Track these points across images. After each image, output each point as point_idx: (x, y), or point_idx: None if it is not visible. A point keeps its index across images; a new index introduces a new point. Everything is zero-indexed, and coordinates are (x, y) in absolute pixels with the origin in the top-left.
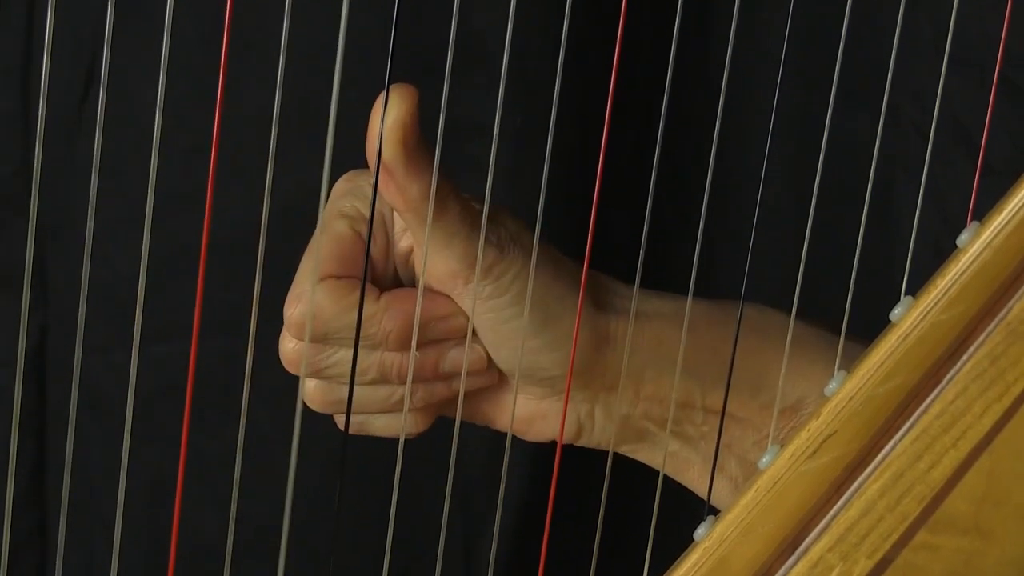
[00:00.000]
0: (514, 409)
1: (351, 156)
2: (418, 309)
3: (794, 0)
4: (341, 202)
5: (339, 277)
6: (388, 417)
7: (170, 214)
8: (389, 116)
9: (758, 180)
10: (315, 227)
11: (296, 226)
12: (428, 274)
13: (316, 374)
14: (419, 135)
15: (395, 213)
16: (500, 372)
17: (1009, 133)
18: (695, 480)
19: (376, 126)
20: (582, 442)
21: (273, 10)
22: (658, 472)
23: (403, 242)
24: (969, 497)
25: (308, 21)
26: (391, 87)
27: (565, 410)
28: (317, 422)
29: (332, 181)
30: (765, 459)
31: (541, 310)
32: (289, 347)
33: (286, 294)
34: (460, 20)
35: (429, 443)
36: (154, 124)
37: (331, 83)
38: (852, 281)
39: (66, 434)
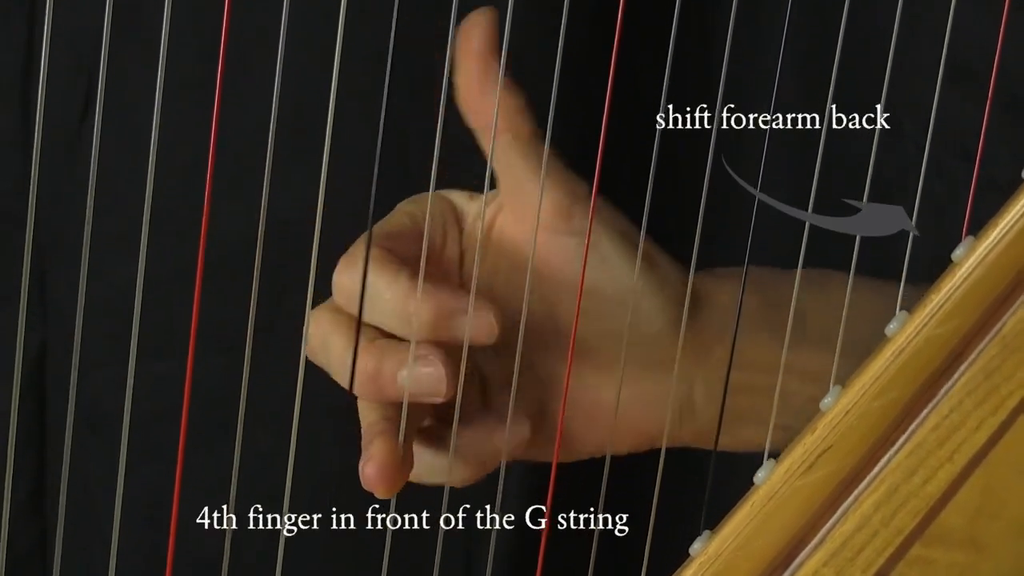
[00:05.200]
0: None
1: (352, 169)
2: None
3: (791, 12)
4: (408, 206)
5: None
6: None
7: (174, 230)
8: (474, 34)
9: (755, 195)
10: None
11: (300, 242)
12: (527, 222)
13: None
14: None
15: (464, 204)
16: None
17: (1010, 147)
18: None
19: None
20: (685, 435)
21: (271, 24)
22: (655, 484)
23: (479, 222)
24: (964, 511)
25: (307, 36)
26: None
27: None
28: (316, 438)
29: (328, 194)
30: (760, 474)
31: (635, 247)
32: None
33: (286, 312)
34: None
35: None
36: (160, 141)
37: (341, 98)
38: (847, 295)
39: (66, 450)
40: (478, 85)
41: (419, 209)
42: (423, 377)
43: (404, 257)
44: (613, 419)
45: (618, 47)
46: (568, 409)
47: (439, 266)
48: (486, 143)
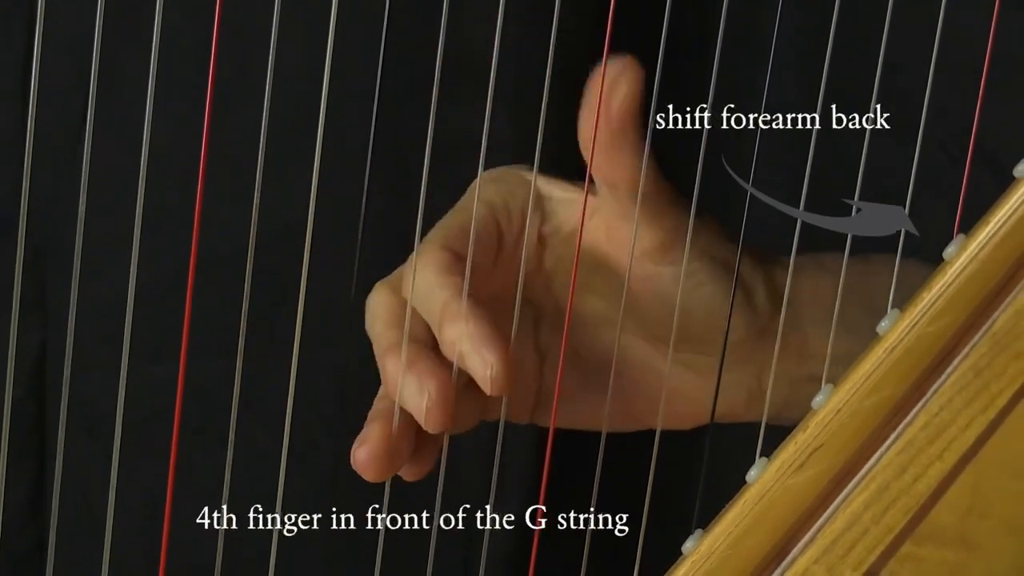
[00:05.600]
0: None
1: (349, 172)
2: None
3: (791, 11)
4: (486, 187)
5: (460, 256)
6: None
7: (175, 233)
8: (619, 92)
9: (773, 196)
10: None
11: (301, 245)
12: (624, 249)
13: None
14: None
15: (554, 193)
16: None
17: (1007, 143)
18: None
19: (594, 101)
20: (751, 415)
21: (268, 28)
22: (647, 484)
23: (571, 222)
24: (954, 509)
25: (304, 38)
26: (614, 61)
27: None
28: (313, 440)
29: (320, 200)
30: (752, 472)
31: (727, 269)
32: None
33: (287, 314)
34: (455, 37)
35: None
36: (154, 143)
37: (329, 102)
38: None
39: (66, 452)
40: (612, 148)
41: (498, 196)
42: (409, 399)
43: (474, 254)
44: (687, 403)
45: (609, 42)
46: (645, 389)
47: (515, 253)
48: (606, 194)
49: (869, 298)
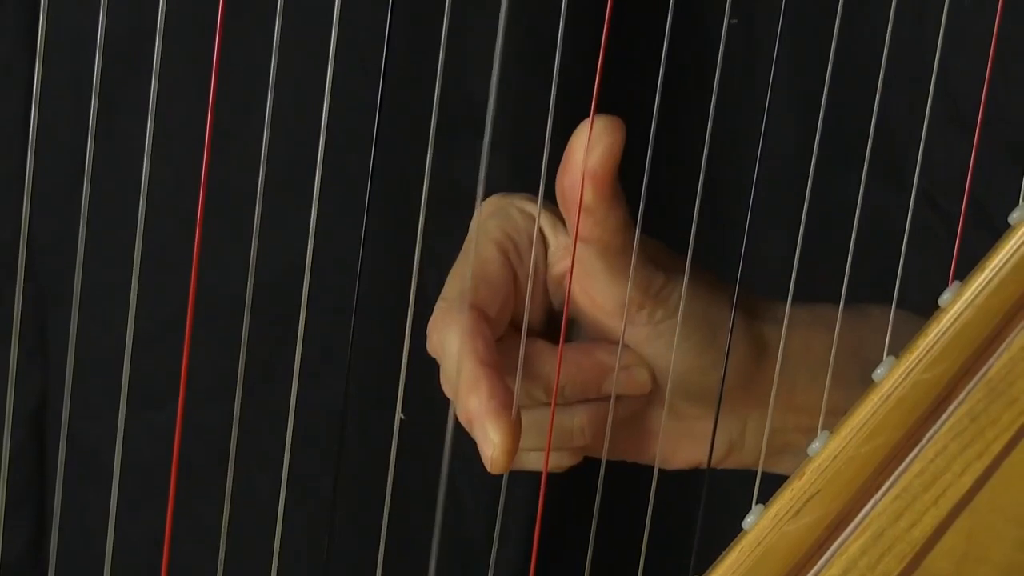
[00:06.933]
0: (662, 440)
1: (347, 216)
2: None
3: (789, 52)
4: (488, 224)
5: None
6: (540, 454)
7: (177, 280)
8: (598, 149)
9: (759, 252)
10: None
11: (297, 288)
12: (595, 304)
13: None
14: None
15: (550, 236)
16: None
17: (1002, 192)
18: None
19: (576, 158)
20: (729, 462)
21: (263, 72)
22: (645, 520)
23: (558, 267)
24: (950, 556)
25: (302, 85)
26: (597, 118)
27: (714, 434)
28: (311, 482)
29: (318, 245)
30: (749, 519)
31: (708, 326)
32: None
33: (285, 356)
34: (454, 85)
35: (423, 503)
36: (157, 189)
37: (327, 146)
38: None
39: (65, 495)
40: (586, 204)
41: (502, 233)
42: (479, 443)
43: (502, 299)
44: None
45: (604, 55)
46: (633, 430)
47: (518, 285)
48: (580, 247)
49: (862, 352)
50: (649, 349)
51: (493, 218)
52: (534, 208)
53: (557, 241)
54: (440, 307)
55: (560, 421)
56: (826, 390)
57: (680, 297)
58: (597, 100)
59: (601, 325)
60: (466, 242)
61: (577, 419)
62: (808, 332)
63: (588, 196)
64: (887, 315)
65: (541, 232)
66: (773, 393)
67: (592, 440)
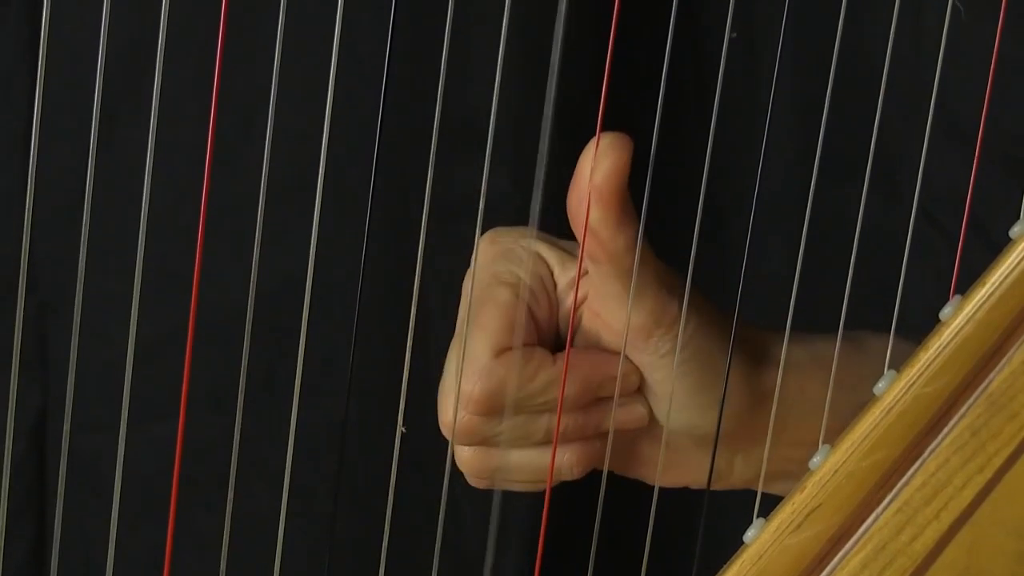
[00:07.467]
0: (661, 462)
1: (348, 229)
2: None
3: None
4: (495, 267)
5: (512, 348)
6: (535, 471)
7: (177, 292)
8: (603, 166)
9: (758, 267)
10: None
11: (298, 302)
12: (610, 328)
13: (483, 442)
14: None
15: (558, 272)
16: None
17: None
18: None
19: (584, 176)
20: (717, 487)
21: (265, 87)
22: (646, 533)
23: (568, 301)
24: (951, 569)
25: (303, 99)
26: (603, 135)
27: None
28: (312, 495)
29: (319, 258)
30: (750, 533)
31: (712, 367)
32: (466, 422)
33: (286, 369)
34: (455, 98)
35: (424, 516)
36: (157, 202)
37: (329, 160)
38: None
39: (66, 508)
40: (594, 222)
41: (511, 276)
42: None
43: (525, 339)
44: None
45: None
46: (626, 447)
47: (537, 327)
48: (591, 269)
49: (859, 389)
50: (650, 378)
51: (497, 261)
52: (539, 245)
53: (565, 276)
54: (469, 366)
55: (547, 459)
56: (822, 431)
57: (692, 332)
58: (603, 117)
59: (612, 348)
60: (474, 285)
61: (567, 456)
62: (804, 376)
63: (594, 214)
64: (885, 347)
65: (546, 263)
66: (769, 436)
67: (581, 476)
